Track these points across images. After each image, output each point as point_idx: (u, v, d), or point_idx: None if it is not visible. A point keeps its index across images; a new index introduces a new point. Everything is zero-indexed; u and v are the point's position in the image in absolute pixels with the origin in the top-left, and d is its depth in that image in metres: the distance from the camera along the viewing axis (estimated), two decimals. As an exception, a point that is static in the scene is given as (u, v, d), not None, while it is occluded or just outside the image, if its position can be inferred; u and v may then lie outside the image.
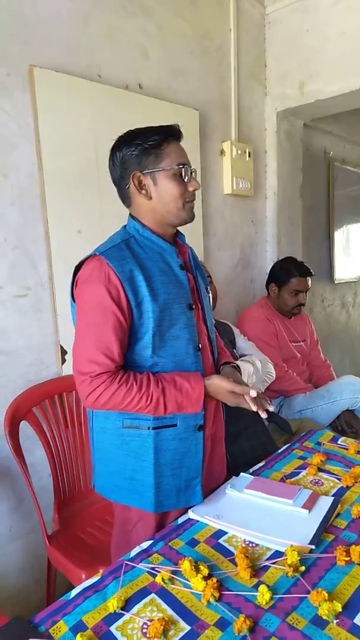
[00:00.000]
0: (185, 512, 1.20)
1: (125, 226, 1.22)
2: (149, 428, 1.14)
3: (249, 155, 2.52)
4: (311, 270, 2.36)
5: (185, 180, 1.15)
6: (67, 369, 1.77)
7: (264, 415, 1.16)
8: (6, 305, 1.60)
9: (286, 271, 2.34)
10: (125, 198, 1.20)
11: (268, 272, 2.48)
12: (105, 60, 1.82)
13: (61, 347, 1.74)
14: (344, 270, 3.79)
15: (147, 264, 1.13)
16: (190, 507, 1.21)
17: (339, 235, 3.70)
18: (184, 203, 1.16)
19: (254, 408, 1.15)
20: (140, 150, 1.11)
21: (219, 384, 1.16)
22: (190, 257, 1.27)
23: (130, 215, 1.22)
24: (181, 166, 1.13)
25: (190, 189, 1.16)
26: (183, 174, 1.14)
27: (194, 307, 1.20)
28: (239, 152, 2.45)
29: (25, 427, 1.60)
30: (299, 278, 2.32)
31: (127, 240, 1.15)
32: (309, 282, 2.36)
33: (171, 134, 1.14)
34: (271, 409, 1.18)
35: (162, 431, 1.15)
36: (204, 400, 1.14)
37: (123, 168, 1.15)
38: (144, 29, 1.97)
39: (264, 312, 2.37)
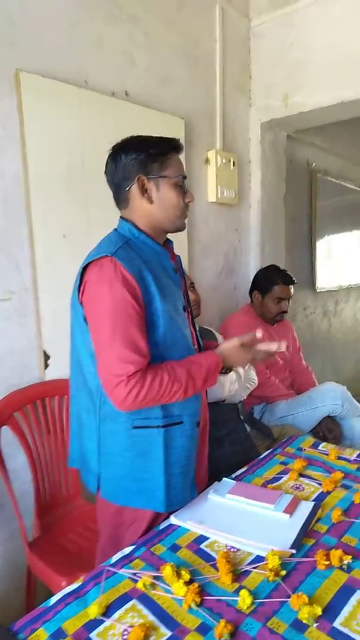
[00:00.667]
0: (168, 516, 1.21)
1: (116, 229, 1.23)
2: (158, 427, 1.15)
3: (234, 165, 2.56)
4: (294, 279, 2.40)
5: (184, 191, 1.21)
6: (50, 374, 1.75)
7: (283, 347, 1.24)
8: (-11, 309, 1.59)
9: (269, 279, 2.38)
10: (122, 200, 1.22)
11: (251, 279, 2.51)
12: (92, 66, 1.83)
13: (44, 351, 1.73)
14: (325, 279, 3.85)
15: (151, 265, 1.16)
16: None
17: (321, 244, 3.76)
18: (181, 213, 1.21)
19: (274, 347, 1.23)
20: (146, 155, 1.16)
21: (226, 346, 1.22)
22: (180, 263, 1.32)
23: (122, 218, 1.23)
24: (182, 177, 1.20)
25: (187, 200, 1.22)
26: (183, 185, 1.20)
27: (186, 309, 1.25)
28: (224, 161, 2.48)
29: (6, 433, 1.58)
30: (282, 286, 2.35)
31: (127, 242, 1.17)
32: (292, 290, 2.40)
33: (175, 146, 1.20)
34: (283, 346, 1.24)
35: (171, 429, 1.17)
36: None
37: (126, 170, 1.17)
38: (131, 37, 1.99)
39: (247, 318, 2.39)
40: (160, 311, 1.12)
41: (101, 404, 1.16)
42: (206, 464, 1.36)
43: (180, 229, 1.25)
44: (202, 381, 1.16)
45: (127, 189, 1.19)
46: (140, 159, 1.16)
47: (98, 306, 1.10)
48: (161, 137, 1.20)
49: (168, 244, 1.30)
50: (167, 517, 1.20)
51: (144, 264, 1.13)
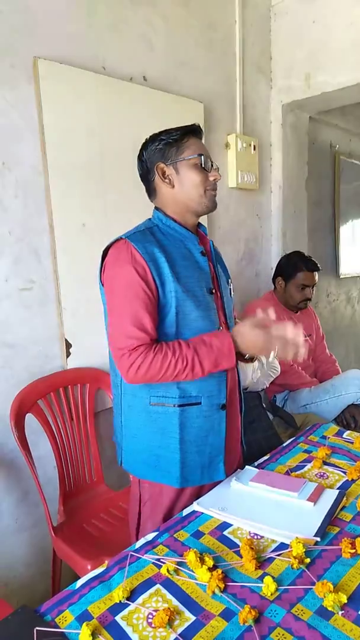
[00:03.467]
0: (190, 500, 1.21)
1: (150, 218, 1.29)
2: (174, 405, 1.20)
3: (254, 149, 2.51)
4: (318, 265, 2.35)
5: (207, 170, 1.22)
6: (72, 362, 1.77)
7: (299, 338, 1.14)
8: (11, 299, 1.60)
9: (293, 265, 2.33)
10: (152, 191, 1.28)
11: (273, 266, 2.47)
12: (109, 51, 1.81)
13: (66, 340, 1.74)
14: (349, 265, 3.77)
15: (169, 248, 1.20)
16: (216, 483, 1.27)
17: (345, 229, 3.68)
18: (205, 190, 1.23)
19: (290, 332, 1.14)
20: (164, 144, 1.21)
21: (242, 327, 1.18)
22: (211, 247, 1.34)
23: (155, 208, 1.29)
24: (201, 155, 1.21)
25: (211, 178, 1.23)
26: (203, 163, 1.21)
27: (213, 292, 1.26)
28: (244, 145, 2.44)
29: (30, 421, 1.61)
30: (306, 272, 2.31)
31: (151, 228, 1.23)
32: (316, 277, 2.35)
33: (191, 130, 1.23)
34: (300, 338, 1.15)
35: (187, 409, 1.20)
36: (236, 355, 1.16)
37: (149, 162, 1.24)
38: (149, 20, 1.96)
39: (269, 305, 2.34)
40: (173, 292, 1.16)
41: (122, 379, 1.21)
42: (238, 448, 1.38)
43: (209, 207, 1.26)
44: (212, 364, 1.14)
45: (152, 179, 1.25)
46: (159, 148, 1.22)
47: (111, 285, 1.18)
48: (179, 126, 1.23)
49: (200, 228, 1.33)
50: (187, 506, 1.21)
51: (160, 247, 1.18)
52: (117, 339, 1.15)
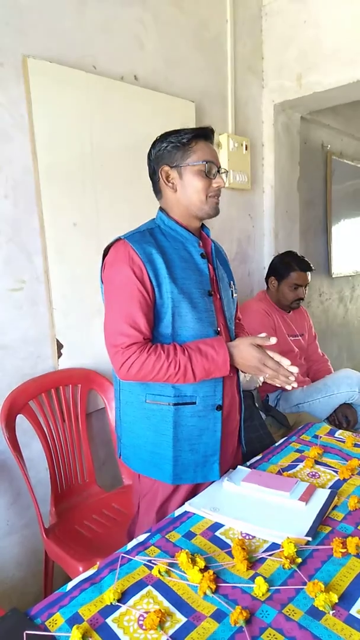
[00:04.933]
0: (185, 500, 1.21)
1: (153, 219, 1.30)
2: (169, 404, 1.21)
3: (246, 148, 2.51)
4: (311, 265, 2.36)
5: (211, 177, 1.23)
6: (63, 363, 1.76)
7: (293, 370, 1.19)
8: (1, 299, 1.59)
9: (286, 265, 2.34)
10: (157, 192, 1.30)
11: (266, 265, 2.48)
12: (100, 50, 1.80)
13: (57, 340, 1.73)
14: (341, 264, 3.78)
15: (167, 250, 1.21)
16: (209, 483, 1.28)
17: (337, 229, 3.69)
18: (207, 197, 1.24)
19: (286, 362, 1.19)
20: (171, 146, 1.22)
21: (241, 342, 1.21)
22: (212, 250, 1.34)
23: (160, 208, 1.31)
24: (205, 163, 1.21)
25: (214, 185, 1.23)
26: (207, 170, 1.21)
27: (212, 294, 1.26)
28: (236, 145, 2.44)
29: (21, 422, 1.60)
30: (299, 272, 2.31)
31: (152, 229, 1.25)
32: (309, 277, 2.35)
33: (201, 134, 1.23)
34: (294, 369, 1.20)
35: (182, 408, 1.22)
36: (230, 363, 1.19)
37: (156, 163, 1.25)
38: (140, 19, 1.95)
39: (262, 305, 2.36)
40: (169, 293, 1.18)
41: None
42: (232, 448, 1.38)
43: (210, 214, 1.27)
44: (204, 372, 1.17)
45: (157, 181, 1.27)
46: (167, 150, 1.22)
47: (108, 284, 1.21)
48: (190, 128, 1.24)
49: (203, 230, 1.34)
50: (181, 504, 1.21)
51: (158, 248, 1.19)
52: (111, 336, 1.17)
